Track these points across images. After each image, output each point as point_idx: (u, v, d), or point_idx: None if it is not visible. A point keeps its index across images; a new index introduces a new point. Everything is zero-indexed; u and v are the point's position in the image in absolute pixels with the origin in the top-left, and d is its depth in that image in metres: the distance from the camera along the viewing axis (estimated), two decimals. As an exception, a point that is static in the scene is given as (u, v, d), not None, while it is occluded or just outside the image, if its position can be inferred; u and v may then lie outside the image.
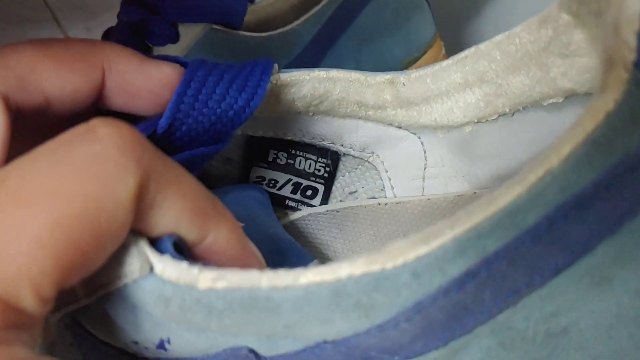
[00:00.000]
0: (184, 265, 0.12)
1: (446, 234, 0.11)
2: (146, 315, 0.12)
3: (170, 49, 0.27)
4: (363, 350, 0.12)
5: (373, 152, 0.19)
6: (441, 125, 0.19)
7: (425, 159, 0.20)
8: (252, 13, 0.31)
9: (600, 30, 0.14)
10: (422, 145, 0.20)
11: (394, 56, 0.28)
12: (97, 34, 0.37)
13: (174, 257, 0.12)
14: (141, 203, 0.12)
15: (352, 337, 0.12)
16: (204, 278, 0.12)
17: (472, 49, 0.17)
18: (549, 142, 0.11)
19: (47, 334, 0.16)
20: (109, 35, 0.29)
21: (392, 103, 0.19)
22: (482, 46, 0.17)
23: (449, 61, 0.17)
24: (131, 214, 0.12)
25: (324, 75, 0.18)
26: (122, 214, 0.11)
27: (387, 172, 0.20)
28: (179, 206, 0.13)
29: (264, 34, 0.28)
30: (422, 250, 0.11)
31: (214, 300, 0.12)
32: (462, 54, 0.17)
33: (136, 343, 0.13)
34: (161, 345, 0.13)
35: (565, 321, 0.12)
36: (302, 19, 0.29)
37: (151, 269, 0.12)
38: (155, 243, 0.12)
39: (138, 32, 0.28)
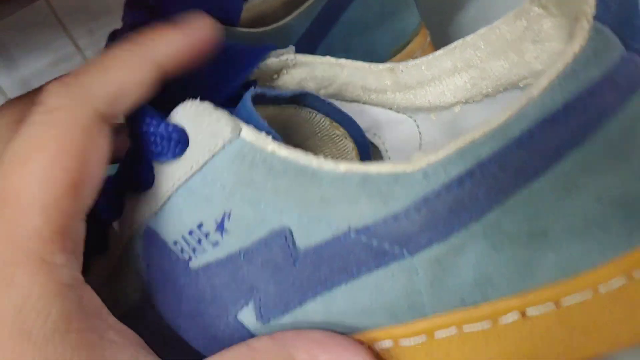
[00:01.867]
0: (261, 131, 0.16)
1: (451, 147, 0.14)
2: (219, 188, 0.16)
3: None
4: (379, 240, 0.15)
5: (375, 134, 0.22)
6: (434, 106, 0.21)
7: (420, 139, 0.22)
8: (247, 11, 0.33)
9: (564, 17, 0.17)
10: (418, 128, 0.22)
11: (382, 46, 0.31)
12: (100, 36, 0.39)
13: (256, 122, 0.16)
14: None
15: (371, 226, 0.15)
16: (272, 144, 0.16)
17: (460, 41, 0.20)
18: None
19: (111, 258, 0.18)
20: (114, 37, 0.31)
21: (392, 87, 0.21)
22: (469, 38, 0.20)
23: (441, 52, 0.20)
24: None
25: (334, 61, 0.21)
26: None
27: (387, 152, 0.22)
28: None
29: (259, 30, 0.30)
30: (432, 158, 0.14)
31: (276, 162, 0.15)
32: (451, 45, 0.20)
33: (200, 226, 0.16)
34: (221, 224, 0.16)
35: (544, 224, 0.14)
36: (294, 14, 0.31)
37: (239, 133, 0.16)
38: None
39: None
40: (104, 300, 0.16)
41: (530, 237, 0.15)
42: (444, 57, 0.20)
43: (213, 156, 0.16)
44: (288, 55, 0.21)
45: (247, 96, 0.17)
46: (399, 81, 0.21)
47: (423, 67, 0.21)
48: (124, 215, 0.18)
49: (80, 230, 0.16)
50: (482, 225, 0.15)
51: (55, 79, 0.18)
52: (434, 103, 0.21)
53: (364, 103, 0.22)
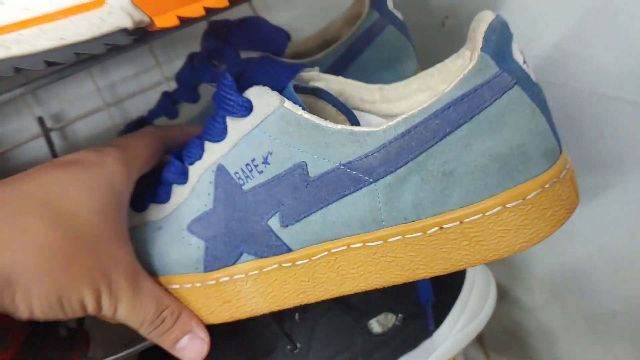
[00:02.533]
0: (295, 104, 0.26)
1: (398, 118, 0.25)
2: (267, 137, 0.27)
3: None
4: (356, 171, 0.25)
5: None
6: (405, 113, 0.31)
7: None
8: (290, 48, 0.43)
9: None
10: None
11: (387, 82, 0.41)
12: (176, 55, 0.49)
13: (293, 99, 0.27)
14: None
15: (352, 161, 0.25)
16: (301, 110, 0.26)
17: (423, 72, 0.30)
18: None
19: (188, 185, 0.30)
20: (193, 58, 0.41)
21: (379, 100, 0.31)
22: (429, 70, 0.30)
23: (411, 79, 0.31)
24: None
25: (342, 80, 0.31)
26: None
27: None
28: None
29: (297, 61, 0.41)
30: (389, 123, 0.25)
31: (302, 120, 0.26)
32: (418, 74, 0.30)
33: (253, 160, 0.27)
34: (266, 159, 0.27)
35: (451, 167, 0.24)
36: (323, 53, 0.41)
37: (283, 103, 0.26)
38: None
39: (214, 56, 0.40)
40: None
41: (444, 175, 0.25)
42: (413, 81, 0.30)
43: (267, 117, 0.26)
44: (314, 72, 0.31)
45: (290, 84, 0.27)
46: (384, 96, 0.31)
47: (400, 88, 0.31)
48: (204, 158, 0.28)
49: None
50: (415, 164, 0.25)
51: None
52: (405, 111, 0.31)
53: (361, 110, 0.32)
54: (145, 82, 0.50)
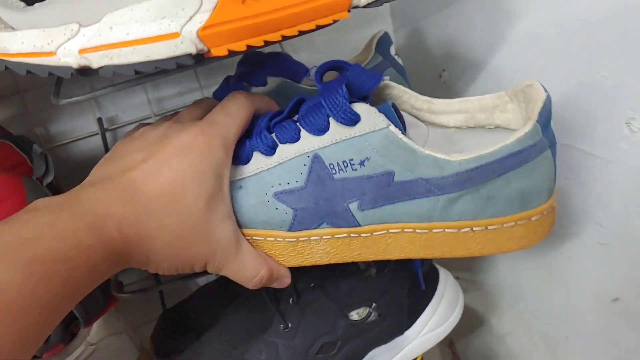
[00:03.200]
0: (396, 127, 0.34)
1: (469, 154, 0.34)
2: (369, 147, 0.34)
3: (260, 89, 0.48)
4: (431, 186, 0.34)
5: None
6: (440, 125, 0.41)
7: (427, 138, 0.40)
8: (309, 83, 0.52)
9: (519, 104, 0.37)
10: (428, 132, 0.40)
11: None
12: (215, 80, 0.58)
13: (395, 121, 0.34)
14: None
15: (430, 179, 0.34)
16: (399, 133, 0.33)
17: (466, 98, 0.39)
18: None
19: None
20: (229, 81, 0.50)
21: (426, 110, 0.40)
22: (472, 98, 0.39)
23: (456, 100, 0.39)
24: None
25: (403, 89, 0.40)
26: None
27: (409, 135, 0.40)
28: None
29: (313, 87, 0.50)
30: (463, 157, 0.34)
31: (401, 143, 0.33)
32: (462, 99, 0.40)
33: (351, 160, 0.34)
34: (363, 162, 0.34)
35: (494, 194, 0.34)
36: None
37: (388, 126, 0.33)
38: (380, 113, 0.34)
39: (244, 78, 0.49)
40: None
41: (487, 198, 0.34)
42: (455, 103, 0.39)
43: (372, 132, 0.33)
44: (386, 79, 0.40)
45: (390, 105, 0.35)
46: (430, 108, 0.41)
47: (444, 104, 0.40)
48: (299, 143, 0.35)
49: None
50: (472, 189, 0.34)
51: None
52: (441, 124, 0.41)
53: (409, 114, 0.41)
54: (188, 100, 0.60)
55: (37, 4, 0.33)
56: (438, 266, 0.53)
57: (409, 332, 0.50)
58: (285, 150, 0.35)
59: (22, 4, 0.33)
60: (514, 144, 0.33)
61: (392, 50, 0.51)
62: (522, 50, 0.46)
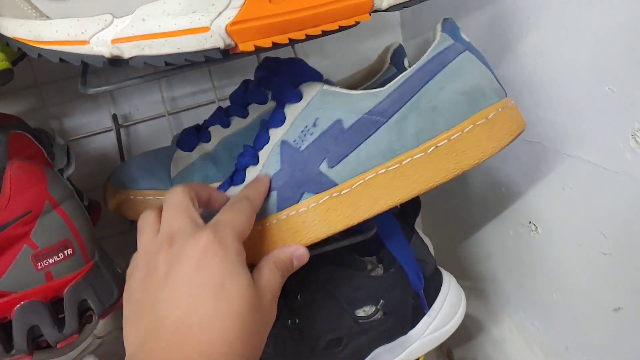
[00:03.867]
0: (332, 85, 0.40)
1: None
2: (315, 109, 0.39)
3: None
4: (374, 115, 0.38)
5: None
6: None
7: None
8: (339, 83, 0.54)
9: None
10: None
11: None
12: (232, 81, 0.59)
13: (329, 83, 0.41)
14: None
15: (371, 109, 0.38)
16: (334, 86, 0.40)
17: None
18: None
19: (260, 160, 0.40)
20: (247, 85, 0.51)
21: None
22: None
23: None
24: None
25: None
26: None
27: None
28: None
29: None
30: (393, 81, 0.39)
31: (337, 92, 0.39)
32: None
33: (306, 126, 0.39)
34: (315, 122, 0.39)
35: (435, 103, 0.38)
36: (365, 85, 0.52)
37: (322, 87, 0.40)
38: None
39: (263, 84, 0.50)
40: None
41: (431, 109, 0.38)
42: None
43: (313, 97, 0.39)
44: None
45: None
46: None
47: None
48: (270, 141, 0.40)
49: None
50: (411, 104, 0.37)
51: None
52: None
53: None
54: (201, 99, 0.61)
55: (70, -5, 0.34)
56: (442, 269, 0.54)
57: (412, 332, 0.51)
58: (263, 154, 0.40)
59: (56, -6, 0.34)
60: (428, 53, 0.38)
61: (406, 63, 0.52)
62: (530, 62, 0.48)
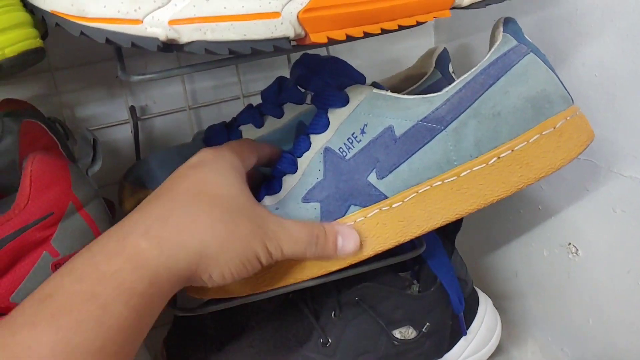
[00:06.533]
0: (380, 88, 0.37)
1: (454, 86, 0.35)
2: (363, 114, 0.36)
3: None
4: (430, 123, 0.34)
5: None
6: None
7: None
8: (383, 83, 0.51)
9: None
10: None
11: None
12: (255, 78, 0.56)
13: (378, 85, 0.37)
14: None
15: (427, 116, 0.34)
16: (386, 91, 0.36)
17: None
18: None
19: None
20: (282, 82, 0.47)
21: None
22: None
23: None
24: None
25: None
26: None
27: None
28: None
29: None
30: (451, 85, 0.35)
31: (387, 96, 0.35)
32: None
33: (353, 134, 0.36)
34: (363, 129, 0.35)
35: (498, 109, 0.34)
36: (407, 89, 0.49)
37: (372, 91, 0.37)
38: None
39: (300, 82, 0.46)
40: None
41: (493, 116, 0.34)
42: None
43: (360, 102, 0.35)
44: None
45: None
46: None
47: None
48: (311, 147, 0.37)
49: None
50: (472, 110, 0.34)
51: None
52: None
53: None
54: (224, 94, 0.57)
55: (119, -34, 0.30)
56: (478, 290, 0.51)
57: (448, 356, 0.47)
58: (303, 161, 0.37)
59: (103, -34, 0.30)
60: (489, 56, 0.35)
61: (450, 68, 0.49)
62: (587, 73, 0.45)
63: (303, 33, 0.30)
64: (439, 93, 0.34)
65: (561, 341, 0.56)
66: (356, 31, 0.30)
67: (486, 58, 0.35)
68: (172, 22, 0.28)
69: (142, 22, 0.28)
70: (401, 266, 0.49)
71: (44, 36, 0.35)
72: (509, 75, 0.34)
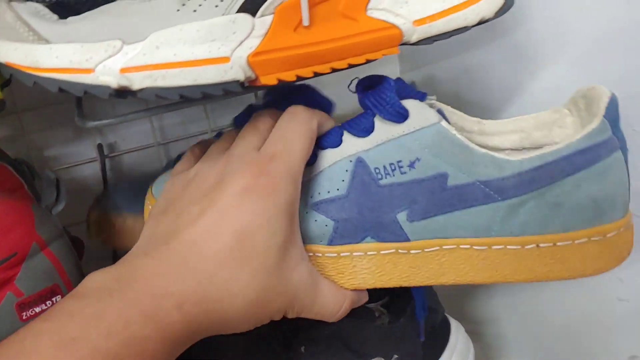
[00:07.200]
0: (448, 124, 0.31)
1: (530, 154, 0.31)
2: (418, 145, 0.31)
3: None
4: (490, 189, 0.31)
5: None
6: (495, 147, 0.38)
7: None
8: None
9: (578, 118, 0.35)
10: None
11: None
12: None
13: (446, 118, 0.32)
14: None
15: (489, 181, 0.31)
16: (454, 130, 0.31)
17: (520, 116, 0.38)
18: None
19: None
20: (253, 109, 0.47)
21: (477, 132, 0.38)
22: (526, 116, 0.37)
23: (508, 120, 0.38)
24: None
25: (451, 110, 0.38)
26: None
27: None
28: None
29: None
30: (523, 156, 0.31)
31: (455, 140, 0.31)
32: (515, 118, 0.38)
33: (399, 162, 0.31)
34: (413, 164, 0.31)
35: (562, 200, 0.31)
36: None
37: (440, 121, 0.31)
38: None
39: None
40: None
41: (554, 205, 0.31)
42: (509, 123, 0.38)
43: (422, 128, 0.31)
44: (433, 99, 0.36)
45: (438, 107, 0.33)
46: (482, 129, 0.39)
47: (497, 125, 0.38)
48: (341, 147, 0.33)
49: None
50: (538, 193, 0.31)
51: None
52: (494, 146, 0.39)
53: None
54: (192, 130, 0.58)
55: (71, 17, 0.30)
56: (450, 318, 0.51)
57: (420, 385, 0.47)
58: (327, 156, 0.33)
59: (55, 16, 0.31)
60: (582, 139, 0.31)
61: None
62: (526, 100, 0.46)
63: (253, 76, 0.30)
64: (511, 159, 0.31)
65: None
66: (306, 72, 0.31)
67: (577, 141, 0.31)
68: (124, 70, 0.29)
69: (94, 71, 0.29)
70: (371, 298, 0.49)
71: (5, 84, 0.35)
72: (590, 170, 0.31)
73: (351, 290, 0.34)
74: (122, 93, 0.29)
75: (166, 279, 0.26)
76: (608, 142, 0.31)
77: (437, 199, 0.31)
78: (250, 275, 0.28)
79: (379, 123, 0.32)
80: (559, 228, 0.31)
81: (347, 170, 0.32)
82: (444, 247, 0.32)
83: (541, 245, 0.31)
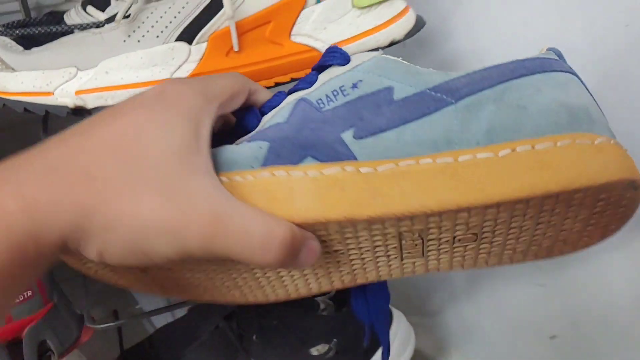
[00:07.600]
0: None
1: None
2: (361, 72, 0.30)
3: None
4: (440, 93, 0.28)
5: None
6: None
7: None
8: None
9: None
10: None
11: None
12: None
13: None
14: None
15: (438, 85, 0.28)
16: (392, 57, 0.30)
17: None
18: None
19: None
20: None
21: None
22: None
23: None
24: None
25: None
26: None
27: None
28: None
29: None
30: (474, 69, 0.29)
31: (398, 62, 0.30)
32: None
33: (342, 87, 0.29)
34: (356, 84, 0.29)
35: (525, 103, 0.27)
36: None
37: (381, 54, 0.30)
38: None
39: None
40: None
41: (518, 107, 0.27)
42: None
43: (363, 62, 0.30)
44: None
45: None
46: None
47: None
48: (286, 100, 0.30)
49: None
50: (493, 92, 0.27)
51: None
52: None
53: None
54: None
55: (34, 48, 0.36)
56: (392, 307, 0.57)
57: (365, 369, 0.52)
58: (268, 116, 0.30)
59: (21, 47, 0.36)
60: (530, 56, 0.30)
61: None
62: None
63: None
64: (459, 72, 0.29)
65: (478, 346, 0.62)
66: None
67: (527, 57, 0.29)
68: (79, 92, 0.34)
69: (53, 94, 0.34)
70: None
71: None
72: (547, 76, 0.28)
73: (289, 222, 0.26)
74: (79, 112, 0.35)
75: (14, 165, 0.23)
76: (559, 62, 0.30)
77: (384, 112, 0.28)
78: (140, 174, 0.23)
79: (322, 75, 0.30)
80: (532, 132, 0.27)
81: (287, 110, 0.29)
82: (400, 164, 0.26)
83: (518, 149, 0.26)
